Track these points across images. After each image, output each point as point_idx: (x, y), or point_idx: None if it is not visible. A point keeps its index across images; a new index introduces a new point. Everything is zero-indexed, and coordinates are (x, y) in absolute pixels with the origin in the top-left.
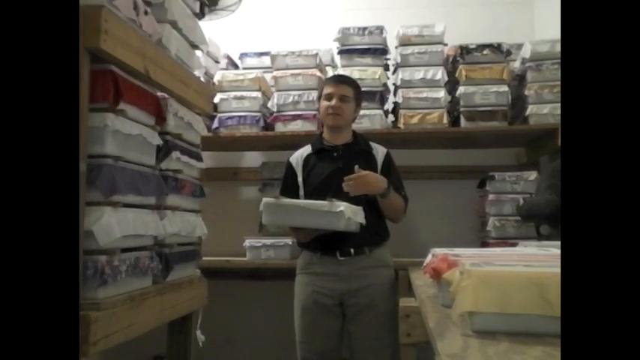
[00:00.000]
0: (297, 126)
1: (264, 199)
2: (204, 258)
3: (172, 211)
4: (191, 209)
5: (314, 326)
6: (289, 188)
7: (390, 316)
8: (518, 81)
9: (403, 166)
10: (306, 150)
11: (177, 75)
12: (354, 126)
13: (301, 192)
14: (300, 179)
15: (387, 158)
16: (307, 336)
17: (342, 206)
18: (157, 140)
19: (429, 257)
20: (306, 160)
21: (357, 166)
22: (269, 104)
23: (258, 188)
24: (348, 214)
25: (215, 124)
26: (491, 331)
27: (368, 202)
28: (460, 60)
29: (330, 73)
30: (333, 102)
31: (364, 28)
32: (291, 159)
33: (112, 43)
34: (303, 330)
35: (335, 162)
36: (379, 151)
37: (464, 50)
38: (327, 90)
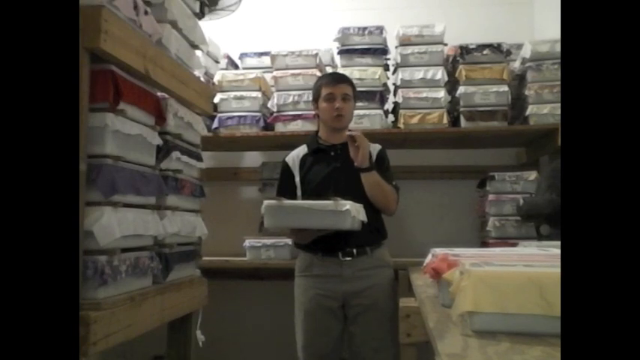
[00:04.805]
0: (297, 126)
1: (266, 202)
2: (204, 258)
3: (172, 211)
4: (191, 209)
5: (318, 330)
6: (286, 189)
7: (391, 316)
8: (518, 81)
9: (403, 166)
10: (302, 150)
11: (177, 75)
12: (354, 125)
13: (299, 192)
14: (297, 179)
15: (381, 153)
16: (311, 340)
17: (347, 205)
18: (157, 140)
19: (429, 257)
20: (303, 160)
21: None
22: (269, 104)
23: (258, 188)
24: (353, 213)
25: (215, 124)
26: (491, 331)
27: (367, 199)
28: (460, 60)
29: None
30: (339, 103)
31: (364, 28)
32: (287, 159)
33: (112, 43)
34: (307, 334)
35: (333, 162)
36: (374, 149)
37: (464, 50)
38: (327, 90)
